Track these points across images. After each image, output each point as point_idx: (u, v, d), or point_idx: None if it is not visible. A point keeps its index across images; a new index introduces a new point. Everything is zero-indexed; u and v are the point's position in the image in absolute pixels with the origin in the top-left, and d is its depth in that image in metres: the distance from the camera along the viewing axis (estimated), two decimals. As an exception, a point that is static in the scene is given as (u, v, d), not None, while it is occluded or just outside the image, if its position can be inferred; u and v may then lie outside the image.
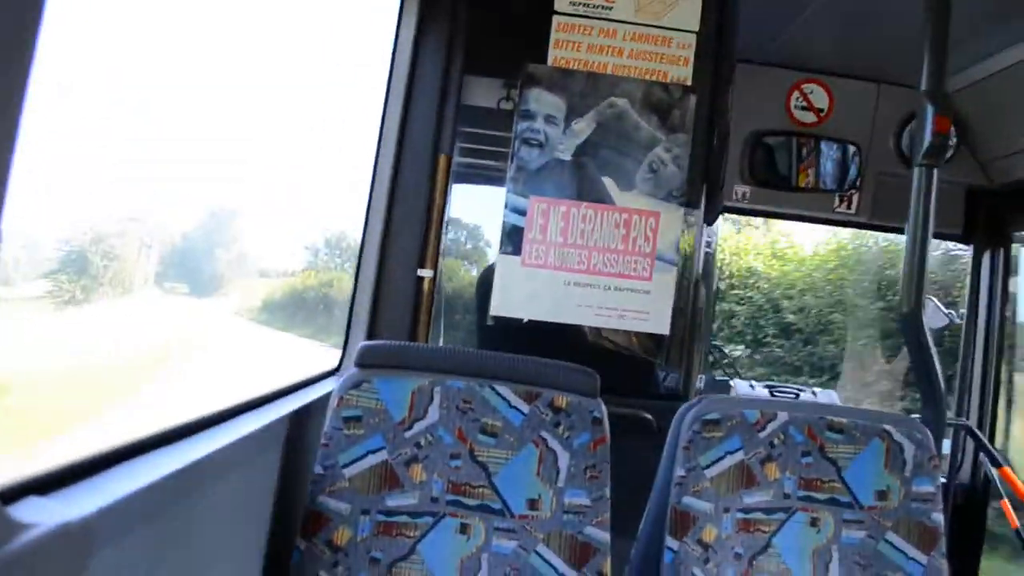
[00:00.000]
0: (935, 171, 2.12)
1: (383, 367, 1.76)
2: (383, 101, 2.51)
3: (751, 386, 3.14)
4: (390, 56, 2.53)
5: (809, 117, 3.29)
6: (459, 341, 2.93)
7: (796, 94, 3.28)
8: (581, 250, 2.49)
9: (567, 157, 2.54)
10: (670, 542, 1.76)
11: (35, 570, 0.79)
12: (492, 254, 2.70)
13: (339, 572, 1.67)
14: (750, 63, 3.18)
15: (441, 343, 2.87)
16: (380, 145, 2.47)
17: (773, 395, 3.00)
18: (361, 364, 1.76)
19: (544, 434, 1.75)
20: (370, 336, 2.37)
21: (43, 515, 0.85)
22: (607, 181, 2.54)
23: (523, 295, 2.47)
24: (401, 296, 2.42)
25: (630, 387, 2.48)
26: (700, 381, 2.62)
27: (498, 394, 1.76)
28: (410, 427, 1.74)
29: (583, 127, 2.57)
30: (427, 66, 2.54)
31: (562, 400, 1.76)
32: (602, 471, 1.74)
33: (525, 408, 1.76)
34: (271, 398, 1.81)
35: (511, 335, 2.49)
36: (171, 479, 1.16)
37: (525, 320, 2.47)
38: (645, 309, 2.47)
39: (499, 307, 2.47)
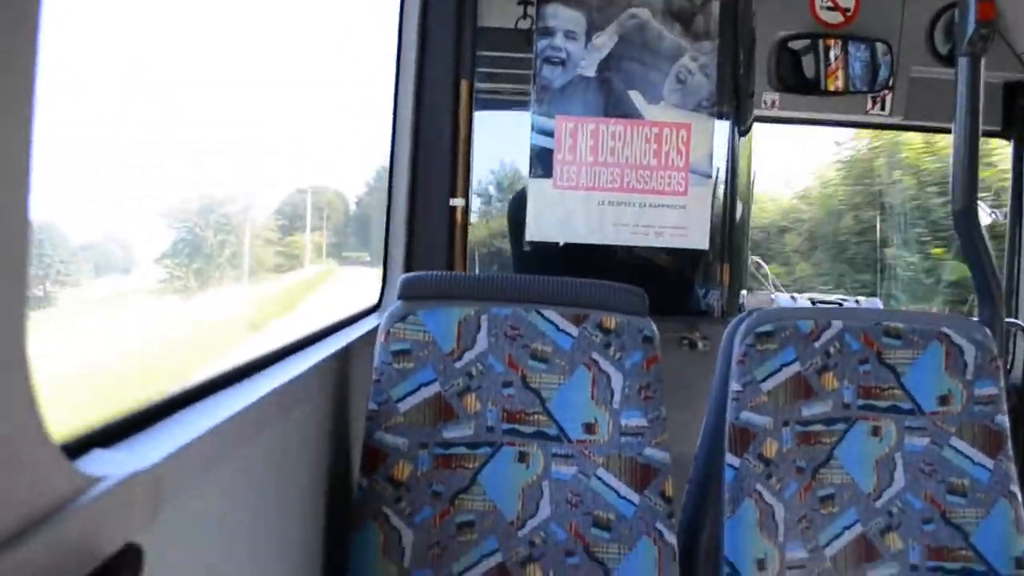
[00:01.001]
0: (981, 61, 2.04)
1: (427, 298, 1.73)
2: (397, 30, 2.43)
3: (792, 298, 3.09)
4: (401, -17, 2.45)
5: (835, 17, 3.16)
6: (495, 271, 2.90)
7: (820, -7, 3.16)
8: (612, 168, 2.44)
9: (591, 73, 2.46)
10: (730, 459, 1.74)
11: (106, 522, 0.78)
12: (517, 182, 2.65)
13: (402, 507, 1.67)
14: (770, -38, 3.06)
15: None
16: (399, 74, 2.40)
17: (815, 306, 2.96)
18: (405, 296, 1.73)
19: (595, 356, 1.72)
20: (407, 269, 2.34)
21: (110, 467, 0.83)
22: (634, 95, 2.46)
23: (557, 218, 2.43)
24: (435, 227, 2.38)
25: (672, 305, 2.44)
26: (742, 297, 2.57)
27: (545, 318, 1.73)
28: (460, 357, 1.71)
29: (605, 41, 2.48)
30: None
31: (611, 320, 1.73)
32: (656, 390, 1.72)
33: (574, 331, 1.73)
34: (321, 336, 1.80)
35: (548, 260, 2.45)
36: (231, 423, 1.14)
37: (561, 243, 2.42)
38: (682, 224, 2.42)
39: (534, 232, 2.42)
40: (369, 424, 1.69)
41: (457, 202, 2.41)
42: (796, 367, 1.78)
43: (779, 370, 1.77)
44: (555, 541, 1.70)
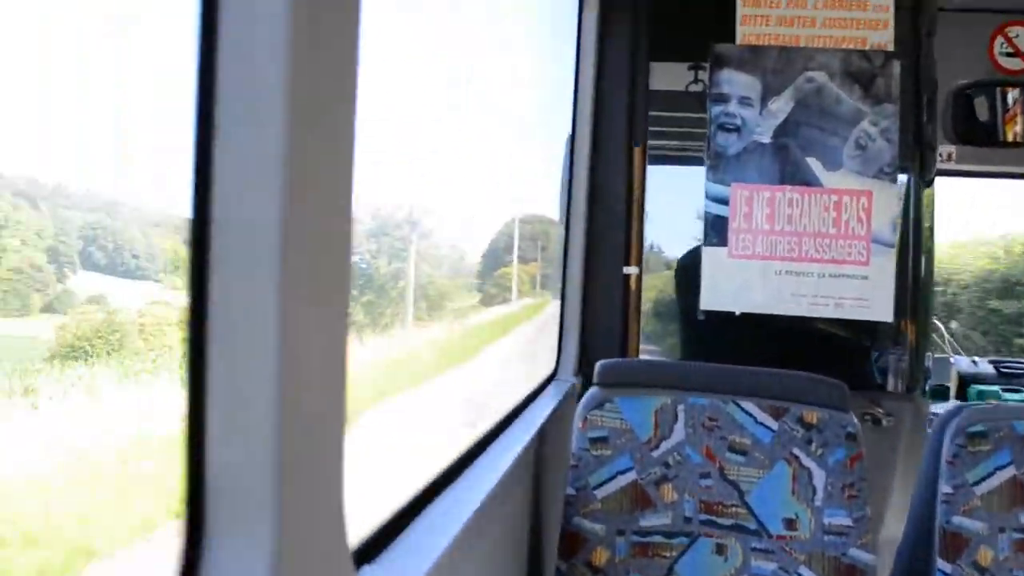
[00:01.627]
0: None
1: (623, 385, 1.75)
2: (572, 96, 2.47)
3: (973, 362, 2.97)
4: (575, 51, 2.49)
5: (1015, 64, 3.04)
6: (662, 337, 2.90)
7: (1000, 39, 3.04)
8: (790, 237, 2.40)
9: (767, 140, 2.44)
10: (942, 564, 1.68)
11: None
12: (683, 243, 2.64)
13: None
14: (944, 11, 2.96)
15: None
16: (575, 142, 2.44)
17: (1000, 371, 2.83)
18: (602, 383, 1.75)
19: (796, 451, 1.70)
20: (583, 338, 2.37)
21: None
22: (812, 162, 2.42)
23: (732, 287, 2.41)
24: (609, 295, 2.40)
25: (852, 379, 2.39)
26: (929, 360, 2.48)
27: (744, 410, 1.72)
28: (657, 446, 1.72)
29: (781, 106, 2.45)
30: (614, 56, 2.48)
31: (812, 415, 1.71)
32: (861, 489, 1.68)
33: (773, 424, 1.71)
34: (510, 419, 1.84)
35: (721, 329, 2.43)
36: (466, 530, 1.19)
37: (737, 313, 2.40)
38: (864, 296, 2.36)
39: (708, 301, 2.41)
40: (567, 509, 1.72)
41: (631, 270, 2.42)
42: (1012, 470, 1.71)
43: (993, 473, 1.71)
44: None
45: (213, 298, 0.62)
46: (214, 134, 0.61)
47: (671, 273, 2.72)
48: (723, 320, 2.42)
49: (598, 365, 1.78)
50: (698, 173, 2.48)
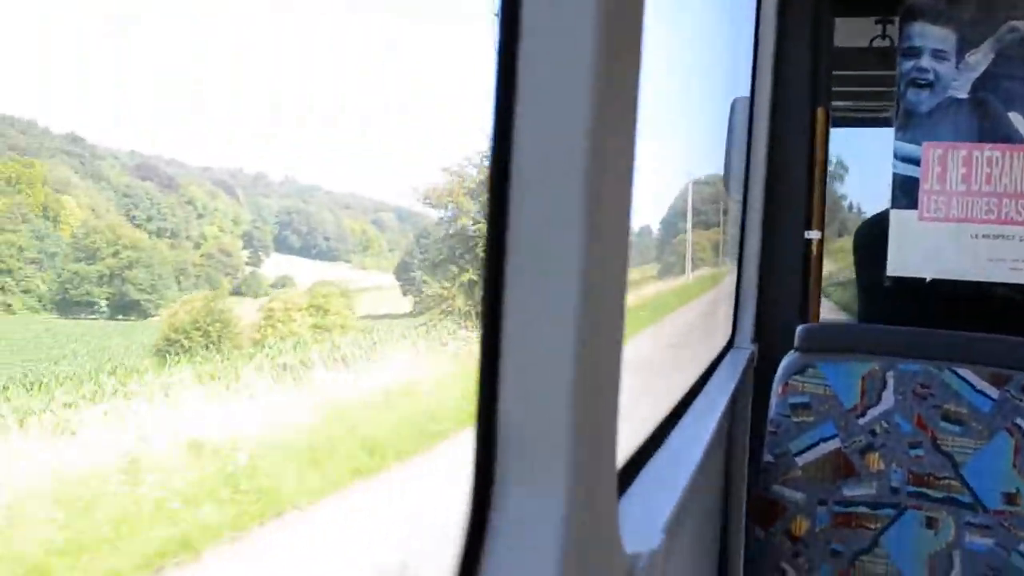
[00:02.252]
0: None
1: (827, 351, 1.68)
2: (752, 57, 2.39)
3: None
4: (755, 7, 2.40)
5: None
6: (840, 304, 2.79)
7: None
8: (989, 198, 2.25)
9: (963, 95, 2.29)
10: None
11: None
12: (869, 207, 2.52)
13: (800, 563, 1.64)
14: None
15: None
16: (754, 104, 2.36)
17: None
18: (803, 348, 1.69)
19: (1020, 422, 1.60)
20: (760, 307, 2.30)
21: (641, 545, 0.88)
22: (1014, 117, 2.26)
23: (923, 252, 2.28)
24: (789, 261, 2.31)
25: None
26: None
27: (960, 377, 1.63)
28: (863, 414, 1.65)
29: (979, 59, 2.29)
30: (796, 12, 2.37)
31: None
32: None
33: (993, 393, 1.61)
34: (697, 388, 1.80)
35: (907, 296, 2.31)
36: (689, 489, 1.17)
37: (928, 280, 2.28)
38: (1074, 261, 2.20)
39: (896, 267, 2.29)
40: (764, 476, 1.68)
41: (813, 235, 2.33)
42: None
43: None
44: None
45: (509, 294, 0.63)
46: (513, 136, 0.62)
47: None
48: (913, 288, 2.30)
49: (800, 329, 1.71)
50: (877, 135, 2.36)
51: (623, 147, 0.70)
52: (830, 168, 2.92)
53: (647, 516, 1.03)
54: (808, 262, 2.33)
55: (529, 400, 0.65)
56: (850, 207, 2.35)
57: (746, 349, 2.24)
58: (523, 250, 0.63)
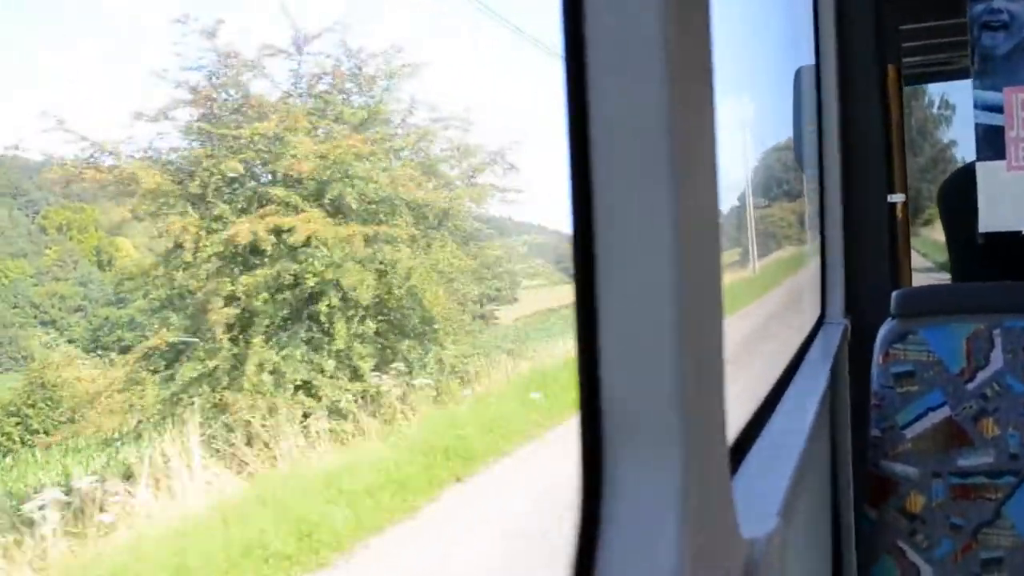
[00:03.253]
0: None
1: (926, 315, 1.60)
2: (812, 17, 2.30)
3: None
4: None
5: None
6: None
7: None
8: (1082, 140, 2.13)
9: (1043, 33, 2.17)
10: None
11: (768, 570, 0.81)
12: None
13: (918, 541, 1.56)
14: None
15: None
16: (819, 67, 2.27)
17: None
18: (900, 314, 1.61)
19: None
20: (848, 276, 2.21)
21: (756, 530, 0.84)
22: (1102, 52, 2.13)
23: (1014, 204, 2.16)
24: (873, 228, 2.22)
25: None
26: None
27: None
28: (972, 378, 1.57)
29: (1056, -6, 2.17)
30: None
31: None
32: None
33: None
34: (793, 366, 1.73)
35: (1002, 252, 2.19)
36: (798, 470, 1.13)
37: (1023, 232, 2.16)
38: None
39: (988, 222, 2.18)
40: (872, 452, 1.60)
41: (896, 198, 2.23)
42: None
43: None
44: None
45: (602, 267, 0.61)
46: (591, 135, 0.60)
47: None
48: (1007, 243, 2.18)
49: (895, 295, 1.64)
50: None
51: (703, 104, 0.67)
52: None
53: (759, 500, 0.98)
54: (894, 227, 2.23)
55: (632, 375, 0.62)
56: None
57: (839, 323, 2.15)
58: (614, 221, 0.60)
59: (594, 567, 0.61)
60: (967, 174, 2.23)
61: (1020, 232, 2.17)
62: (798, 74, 2.43)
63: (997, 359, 1.56)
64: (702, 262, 0.65)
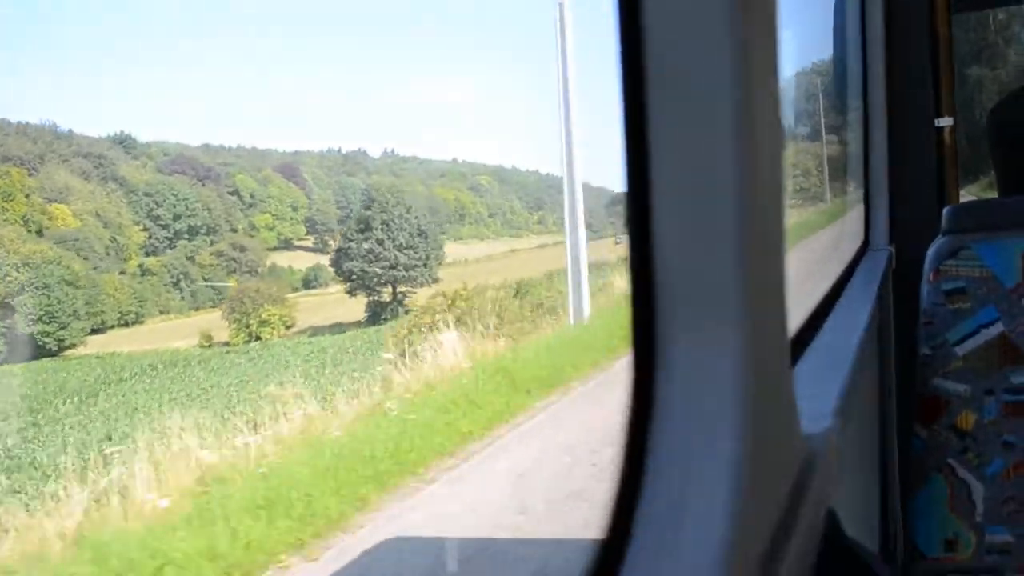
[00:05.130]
0: None
1: (979, 230, 1.56)
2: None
3: None
4: None
5: None
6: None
7: None
8: None
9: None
10: None
11: (823, 475, 0.80)
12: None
13: (969, 458, 1.53)
14: None
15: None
16: None
17: None
18: (952, 230, 1.57)
19: None
20: (892, 202, 2.15)
21: (814, 427, 0.82)
22: None
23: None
24: (919, 152, 2.16)
25: None
26: None
27: None
28: None
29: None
30: None
31: None
32: None
33: None
34: (836, 291, 1.70)
35: None
36: (854, 387, 1.11)
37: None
38: None
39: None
40: (923, 370, 1.57)
41: (944, 122, 2.16)
42: None
43: None
44: None
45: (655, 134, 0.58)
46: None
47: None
48: None
49: (946, 210, 1.59)
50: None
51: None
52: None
53: (816, 399, 0.96)
54: (943, 151, 2.17)
55: (691, 244, 0.59)
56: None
57: (883, 250, 2.11)
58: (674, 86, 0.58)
59: (646, 453, 0.59)
60: (1019, 97, 2.16)
61: None
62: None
63: None
64: (763, 148, 0.62)
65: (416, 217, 26.84)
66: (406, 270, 25.75)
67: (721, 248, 0.58)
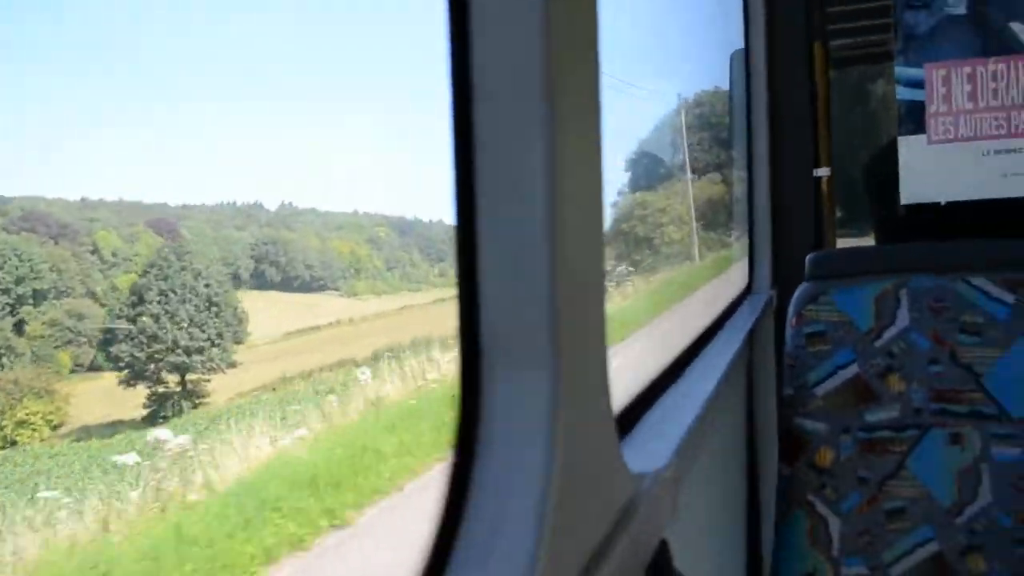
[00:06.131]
0: None
1: (837, 276, 1.67)
2: (743, 6, 2.36)
3: None
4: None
5: None
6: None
7: None
8: (996, 113, 2.20)
9: (961, 10, 2.24)
10: None
11: (652, 509, 0.84)
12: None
13: (827, 494, 1.63)
14: None
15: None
16: (749, 42, 2.33)
17: None
18: (813, 276, 1.68)
19: None
20: (775, 247, 2.27)
21: (646, 465, 0.88)
22: (1017, 27, 2.21)
23: (935, 176, 2.24)
24: (799, 201, 2.28)
25: None
26: None
27: (973, 287, 1.60)
28: (879, 335, 1.63)
29: (973, -27, 2.25)
30: None
31: None
32: None
33: (1009, 298, 1.58)
34: (712, 331, 1.79)
35: (924, 223, 2.27)
36: (699, 421, 1.17)
37: (943, 203, 2.24)
38: (1092, 167, 2.14)
39: (910, 194, 2.25)
40: (785, 410, 1.67)
41: (822, 172, 2.30)
42: None
43: None
44: (1000, 529, 1.57)
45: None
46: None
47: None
48: (929, 214, 2.26)
49: (809, 258, 1.70)
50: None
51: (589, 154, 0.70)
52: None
53: (655, 441, 1.02)
54: (820, 201, 2.30)
55: (508, 300, 0.64)
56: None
57: (764, 293, 2.22)
58: (497, 158, 0.63)
59: (470, 484, 0.64)
60: (890, 149, 2.31)
61: (939, 203, 2.24)
62: (732, 58, 2.49)
63: (903, 317, 1.62)
64: (581, 200, 0.68)
65: (207, 285, 20.52)
66: (188, 355, 19.82)
67: (537, 289, 0.64)
